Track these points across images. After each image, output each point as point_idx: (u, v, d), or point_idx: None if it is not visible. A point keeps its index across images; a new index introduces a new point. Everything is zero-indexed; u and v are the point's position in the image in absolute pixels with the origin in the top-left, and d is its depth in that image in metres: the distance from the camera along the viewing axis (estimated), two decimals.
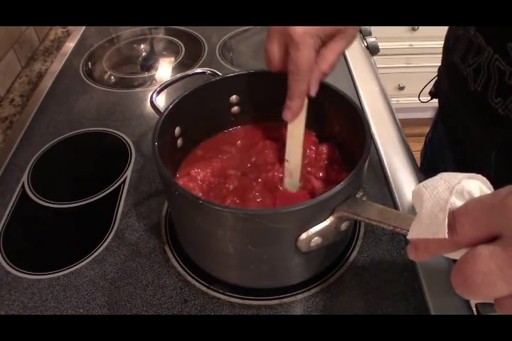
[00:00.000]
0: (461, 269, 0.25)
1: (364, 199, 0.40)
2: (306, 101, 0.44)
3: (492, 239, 0.24)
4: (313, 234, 0.38)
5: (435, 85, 0.69)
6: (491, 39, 0.47)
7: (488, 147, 0.51)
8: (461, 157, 0.61)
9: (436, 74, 0.69)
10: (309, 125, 0.52)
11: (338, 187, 0.37)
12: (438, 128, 0.73)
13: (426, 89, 0.73)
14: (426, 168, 0.77)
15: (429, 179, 0.28)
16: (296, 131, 0.45)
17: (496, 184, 0.28)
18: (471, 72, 0.51)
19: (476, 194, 0.27)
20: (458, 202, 0.26)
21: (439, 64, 0.67)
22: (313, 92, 0.43)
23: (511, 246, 0.23)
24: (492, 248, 0.24)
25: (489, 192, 0.27)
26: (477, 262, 0.24)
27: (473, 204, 0.25)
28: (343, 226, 0.39)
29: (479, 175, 0.27)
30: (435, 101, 0.72)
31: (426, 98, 0.72)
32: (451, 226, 0.25)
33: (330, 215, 0.38)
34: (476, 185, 0.27)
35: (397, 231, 0.35)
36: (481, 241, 0.25)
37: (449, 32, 0.61)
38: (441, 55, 0.64)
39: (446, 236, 0.25)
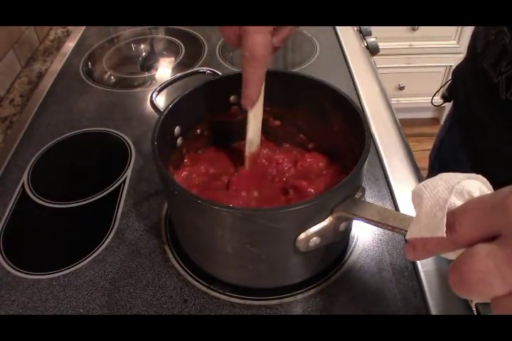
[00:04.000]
0: (458, 268, 0.25)
1: (363, 199, 0.40)
2: (263, 86, 0.44)
3: (491, 239, 0.24)
4: (311, 234, 0.38)
5: (448, 89, 0.68)
6: None
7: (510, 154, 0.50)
8: (479, 165, 0.59)
9: (438, 72, 0.68)
10: (309, 126, 0.52)
11: (337, 187, 0.37)
12: (452, 132, 0.71)
13: (429, 90, 0.72)
14: (437, 172, 0.75)
15: (429, 179, 0.28)
16: (256, 116, 0.46)
17: None
18: (503, 80, 0.49)
19: (476, 194, 0.27)
20: (458, 202, 0.26)
21: (439, 64, 0.66)
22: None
23: (510, 246, 0.23)
24: (490, 247, 0.23)
25: (489, 192, 0.27)
26: (474, 260, 0.24)
27: (474, 204, 0.25)
28: (342, 226, 0.39)
29: (479, 176, 0.27)
30: (435, 101, 0.71)
31: (428, 99, 0.72)
32: (451, 225, 0.25)
33: (329, 215, 0.38)
34: (476, 186, 0.27)
35: (396, 231, 0.35)
36: (480, 240, 0.24)
37: (474, 36, 0.59)
38: (441, 55, 0.64)
39: (445, 234, 0.25)
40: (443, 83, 0.70)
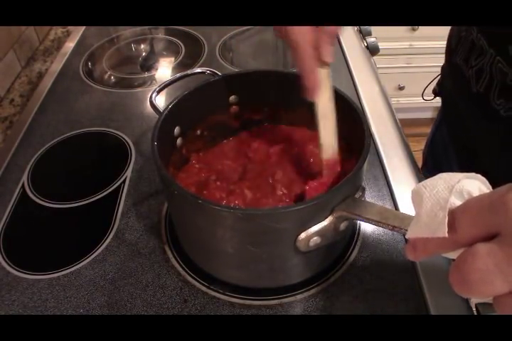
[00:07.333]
0: (458, 267, 0.25)
1: (363, 199, 0.40)
2: (326, 71, 0.41)
3: (491, 238, 0.24)
4: (312, 233, 0.38)
5: (438, 83, 0.69)
6: (492, 41, 0.47)
7: (490, 147, 0.51)
8: (466, 157, 0.61)
9: (438, 72, 0.69)
10: (309, 125, 0.52)
11: (337, 187, 0.37)
12: (441, 127, 0.73)
13: (429, 90, 0.73)
14: (430, 168, 0.77)
15: (429, 179, 0.28)
16: (326, 109, 0.42)
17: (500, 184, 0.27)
18: (474, 74, 0.51)
19: (476, 193, 0.27)
20: (457, 202, 0.26)
21: (440, 64, 0.67)
22: (327, 57, 0.39)
23: (509, 244, 0.23)
24: (490, 246, 0.23)
25: (488, 191, 0.27)
26: (474, 260, 0.24)
27: (473, 203, 0.25)
28: (342, 226, 0.39)
29: (478, 175, 0.27)
30: (436, 101, 0.72)
31: (429, 96, 0.73)
32: (451, 225, 0.25)
33: (329, 215, 0.38)
34: (475, 185, 0.27)
35: (396, 230, 0.35)
36: (480, 239, 0.25)
37: (451, 33, 0.61)
38: (441, 55, 0.64)
39: (446, 234, 0.25)
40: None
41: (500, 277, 0.23)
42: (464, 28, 0.55)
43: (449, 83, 0.61)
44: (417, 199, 0.29)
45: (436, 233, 0.26)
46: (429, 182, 0.28)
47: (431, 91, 0.71)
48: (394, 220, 0.35)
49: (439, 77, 0.69)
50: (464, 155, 0.62)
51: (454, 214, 0.26)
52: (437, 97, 0.70)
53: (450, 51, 0.60)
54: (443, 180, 0.27)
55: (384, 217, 0.35)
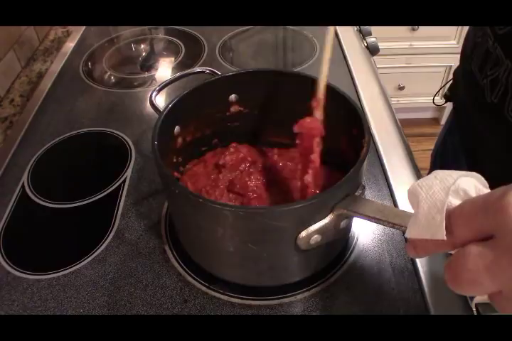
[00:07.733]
0: (451, 266, 0.25)
1: (363, 197, 0.40)
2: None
3: (487, 239, 0.24)
4: (312, 231, 0.38)
5: (450, 89, 0.68)
6: (510, 52, 0.46)
7: (502, 158, 0.50)
8: (476, 166, 0.60)
9: (438, 72, 0.68)
10: None
11: (338, 185, 0.37)
12: (452, 132, 0.72)
13: (429, 90, 0.73)
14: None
15: (424, 178, 0.28)
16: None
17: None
18: (488, 83, 0.50)
19: (472, 192, 0.27)
20: (454, 201, 0.26)
21: (439, 64, 0.67)
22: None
23: (500, 247, 0.23)
24: (482, 247, 0.24)
25: (484, 189, 0.27)
26: (465, 260, 0.24)
27: (469, 206, 0.26)
28: (343, 224, 0.39)
29: (473, 173, 0.27)
30: (437, 101, 0.72)
31: (428, 99, 0.72)
32: (448, 228, 0.26)
33: (329, 213, 0.38)
34: (471, 183, 0.27)
35: (396, 228, 0.35)
36: (476, 241, 0.25)
37: (466, 36, 0.60)
38: (441, 55, 0.64)
39: (445, 238, 0.25)
40: (443, 83, 0.71)
41: (488, 278, 0.24)
42: (479, 33, 0.53)
43: (462, 89, 0.60)
44: (413, 200, 0.29)
45: (434, 236, 0.26)
46: (425, 182, 0.28)
47: (433, 94, 0.70)
48: (394, 218, 0.35)
49: (451, 81, 0.68)
50: (474, 164, 0.61)
51: (450, 218, 0.26)
52: (438, 99, 0.70)
53: (465, 56, 0.58)
54: (438, 179, 0.27)
55: (384, 215, 0.35)
